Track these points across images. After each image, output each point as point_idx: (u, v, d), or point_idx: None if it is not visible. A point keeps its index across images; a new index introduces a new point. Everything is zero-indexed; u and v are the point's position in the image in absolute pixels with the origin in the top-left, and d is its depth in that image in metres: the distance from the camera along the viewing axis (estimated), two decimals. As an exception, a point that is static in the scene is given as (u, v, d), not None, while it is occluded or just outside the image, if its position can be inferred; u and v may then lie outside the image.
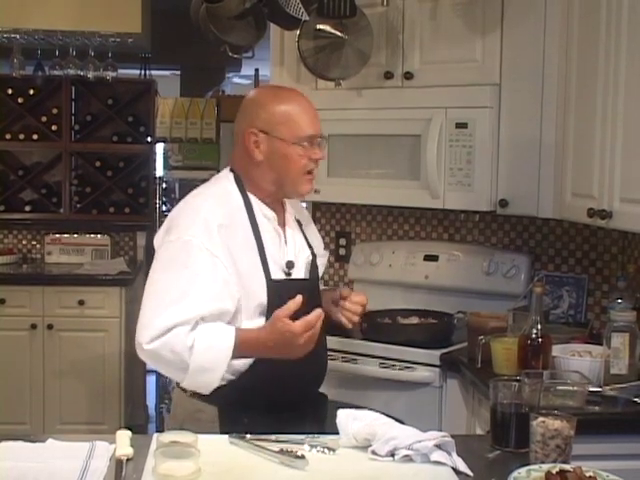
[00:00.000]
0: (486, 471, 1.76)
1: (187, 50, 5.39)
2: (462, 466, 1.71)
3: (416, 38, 3.24)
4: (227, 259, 2.09)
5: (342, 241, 3.89)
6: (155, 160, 5.23)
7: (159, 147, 5.34)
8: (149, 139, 5.07)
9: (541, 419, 1.73)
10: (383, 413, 1.91)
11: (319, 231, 2.63)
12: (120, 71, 4.75)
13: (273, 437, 1.85)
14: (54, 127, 4.95)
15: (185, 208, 2.19)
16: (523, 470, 1.64)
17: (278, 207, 2.30)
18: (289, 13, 2.93)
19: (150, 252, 2.24)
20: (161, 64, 6.04)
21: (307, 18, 2.98)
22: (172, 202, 5.48)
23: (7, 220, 5.01)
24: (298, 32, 3.13)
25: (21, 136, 4.95)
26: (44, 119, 4.95)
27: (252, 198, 2.23)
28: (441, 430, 1.87)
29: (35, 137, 4.95)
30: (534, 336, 2.36)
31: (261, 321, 2.16)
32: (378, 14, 3.26)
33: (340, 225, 3.90)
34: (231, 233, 2.12)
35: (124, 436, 1.82)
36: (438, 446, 1.74)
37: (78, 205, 5.04)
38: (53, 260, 5.02)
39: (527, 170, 3.00)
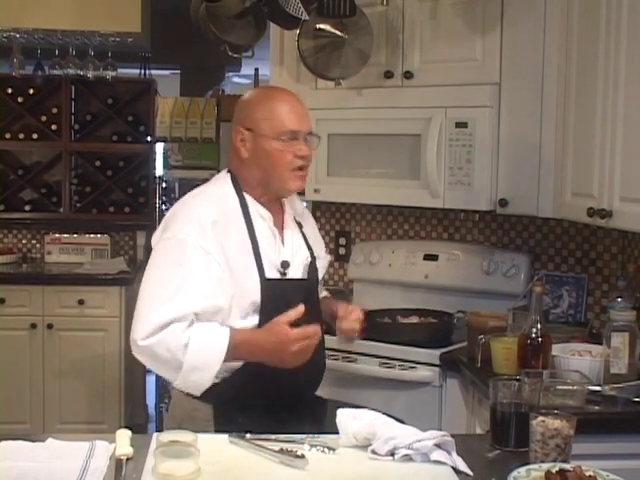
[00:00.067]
0: (486, 470, 1.76)
1: (187, 50, 5.39)
2: (462, 465, 1.71)
3: (416, 37, 3.24)
4: (220, 257, 2.11)
5: (342, 240, 3.89)
6: (155, 160, 5.23)
7: (159, 147, 5.33)
8: (149, 139, 5.07)
9: (541, 418, 1.73)
10: (383, 412, 1.91)
11: (319, 231, 2.63)
12: (120, 71, 4.75)
13: (273, 437, 1.85)
14: (54, 126, 4.95)
15: (180, 208, 2.21)
16: (523, 469, 1.64)
17: (275, 207, 2.31)
18: (289, 12, 2.93)
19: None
20: (161, 64, 6.04)
21: (307, 17, 2.98)
22: (172, 202, 5.47)
23: (7, 220, 5.01)
24: (298, 31, 3.13)
25: (21, 135, 4.95)
26: (44, 118, 4.95)
27: (248, 198, 2.24)
28: (441, 429, 1.87)
29: (35, 136, 4.95)
30: (534, 335, 2.35)
31: (254, 319, 2.17)
32: (378, 13, 3.26)
33: (340, 224, 3.90)
34: (225, 231, 2.14)
35: (124, 436, 1.82)
36: (438, 445, 1.75)
37: (78, 205, 5.04)
38: (53, 260, 5.02)
39: (527, 170, 3.00)
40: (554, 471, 1.61)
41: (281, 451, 1.75)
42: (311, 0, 3.02)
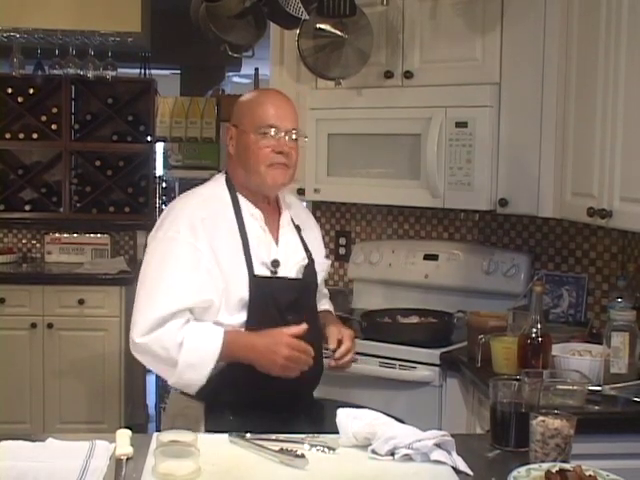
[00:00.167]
0: (486, 470, 1.76)
1: (187, 49, 5.38)
2: (462, 465, 1.71)
3: (416, 37, 3.24)
4: (209, 253, 2.15)
5: (342, 240, 3.89)
6: (155, 159, 5.23)
7: (159, 146, 5.33)
8: (149, 138, 5.07)
9: (541, 418, 1.73)
10: (383, 412, 1.91)
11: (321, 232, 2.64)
12: (120, 70, 4.75)
13: (273, 436, 1.85)
14: (54, 126, 4.95)
15: (172, 208, 2.28)
16: (523, 469, 1.64)
17: (270, 208, 2.34)
18: (289, 12, 2.93)
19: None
20: (161, 63, 6.04)
21: (307, 17, 2.98)
22: (172, 201, 5.47)
23: (7, 219, 5.01)
24: (298, 31, 3.13)
25: (21, 135, 4.95)
26: (44, 118, 4.94)
27: (240, 198, 2.28)
28: (441, 429, 1.87)
29: (35, 136, 4.94)
30: (534, 335, 2.35)
31: (242, 316, 2.20)
32: (378, 13, 3.26)
33: (340, 224, 3.90)
34: (214, 229, 2.18)
35: (124, 435, 1.82)
36: (438, 445, 1.75)
37: (78, 204, 5.04)
38: (53, 259, 5.01)
39: (527, 170, 3.00)
40: (554, 471, 1.61)
41: (281, 451, 1.75)
42: (311, 0, 3.02)
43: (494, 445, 1.88)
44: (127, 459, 1.72)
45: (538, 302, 2.38)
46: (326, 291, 2.67)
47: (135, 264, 4.95)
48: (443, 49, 3.18)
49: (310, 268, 2.35)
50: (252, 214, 2.27)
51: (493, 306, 3.06)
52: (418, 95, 3.20)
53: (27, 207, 5.01)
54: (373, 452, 1.77)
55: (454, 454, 1.74)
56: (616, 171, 2.44)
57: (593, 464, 1.66)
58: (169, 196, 5.63)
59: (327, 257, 2.58)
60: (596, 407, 2.22)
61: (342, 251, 3.87)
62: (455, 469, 1.70)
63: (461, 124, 3.06)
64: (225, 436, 1.87)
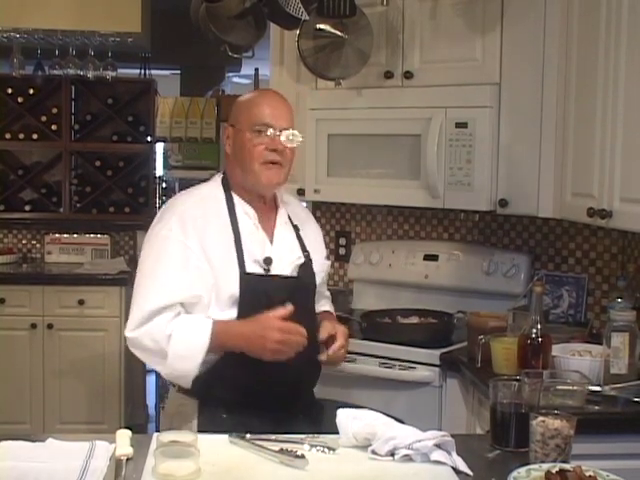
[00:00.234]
0: (486, 471, 1.76)
1: (187, 50, 5.38)
2: (462, 466, 1.71)
3: (416, 37, 3.24)
4: (200, 250, 2.18)
5: (342, 241, 3.89)
6: (155, 160, 5.23)
7: (159, 147, 5.33)
8: (149, 139, 5.07)
9: (541, 419, 1.73)
10: (383, 413, 1.91)
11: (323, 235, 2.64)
12: (120, 71, 4.75)
13: (273, 437, 1.85)
14: (54, 127, 4.95)
15: (169, 205, 2.33)
16: (523, 470, 1.64)
17: (265, 207, 2.35)
18: (289, 13, 2.93)
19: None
20: (161, 64, 6.04)
21: (307, 18, 2.98)
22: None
23: (7, 220, 5.01)
24: (298, 32, 3.13)
25: (21, 136, 4.95)
26: (44, 119, 4.94)
27: (235, 197, 2.31)
28: (441, 430, 1.87)
29: (35, 137, 4.95)
30: (534, 336, 2.35)
31: (232, 312, 2.21)
32: (378, 13, 3.26)
33: (340, 225, 3.91)
34: (206, 227, 2.21)
35: (124, 436, 1.82)
36: (438, 446, 1.75)
37: (78, 205, 5.04)
38: (53, 260, 5.02)
39: (527, 170, 3.00)
40: (554, 471, 1.61)
41: (281, 451, 1.75)
42: (311, 0, 3.02)
43: (494, 445, 1.88)
44: (127, 459, 1.72)
45: (538, 302, 2.38)
46: (328, 293, 2.67)
47: (135, 264, 4.93)
48: (443, 49, 3.18)
49: (307, 267, 2.35)
50: (246, 212, 2.29)
51: (493, 306, 3.06)
52: (418, 95, 3.20)
53: (27, 207, 5.01)
54: (373, 452, 1.77)
55: (454, 454, 1.74)
56: (616, 171, 2.44)
57: (593, 464, 1.66)
58: (169, 196, 5.61)
59: (327, 258, 2.58)
60: (596, 407, 2.22)
61: (342, 251, 3.87)
62: (455, 469, 1.70)
63: (461, 124, 3.06)
64: (225, 436, 1.87)
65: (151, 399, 5.42)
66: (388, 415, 1.90)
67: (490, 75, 3.06)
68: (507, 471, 1.64)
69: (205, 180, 2.46)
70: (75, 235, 5.06)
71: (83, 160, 5.09)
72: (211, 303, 2.19)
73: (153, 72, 5.43)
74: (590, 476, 1.60)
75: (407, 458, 1.74)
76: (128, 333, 2.17)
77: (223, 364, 2.19)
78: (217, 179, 2.37)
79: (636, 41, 2.34)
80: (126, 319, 2.20)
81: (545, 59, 2.93)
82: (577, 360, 2.43)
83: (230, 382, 2.18)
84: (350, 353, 3.04)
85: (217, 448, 1.81)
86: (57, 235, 5.05)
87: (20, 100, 4.92)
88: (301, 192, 3.48)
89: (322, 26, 3.13)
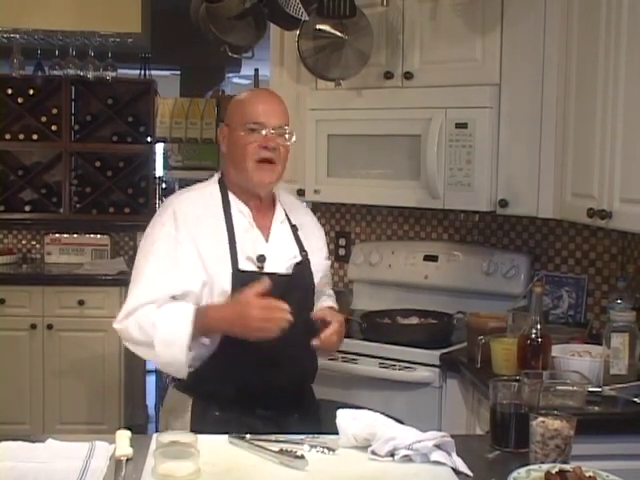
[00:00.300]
0: (486, 471, 1.76)
1: (187, 50, 5.38)
2: (462, 466, 1.71)
3: (416, 38, 3.24)
4: (191, 246, 2.20)
5: (342, 241, 3.89)
6: (155, 160, 5.23)
7: (159, 147, 5.33)
8: (149, 139, 5.07)
9: (541, 419, 1.73)
10: (383, 413, 1.91)
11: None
12: (120, 71, 4.75)
13: (273, 437, 1.85)
14: (54, 127, 4.95)
15: (164, 203, 2.38)
16: (523, 470, 1.64)
17: (260, 205, 2.34)
18: (289, 13, 2.93)
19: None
20: (161, 64, 6.04)
21: (307, 18, 2.98)
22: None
23: (7, 220, 5.02)
24: (298, 32, 3.13)
25: (21, 136, 4.96)
26: (44, 119, 4.95)
27: (231, 196, 2.32)
28: (441, 430, 1.87)
29: (35, 137, 4.95)
30: (534, 336, 2.35)
31: None
32: (378, 14, 3.26)
33: (340, 225, 3.91)
34: (199, 224, 2.23)
35: (124, 436, 1.82)
36: (438, 446, 1.75)
37: (78, 205, 5.04)
38: (53, 260, 5.02)
39: (527, 170, 3.00)
40: (554, 472, 1.61)
41: (281, 452, 1.75)
42: (311, 1, 3.02)
43: (494, 446, 1.88)
44: (127, 460, 1.73)
45: (538, 303, 2.38)
46: (331, 292, 2.66)
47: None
48: (443, 50, 3.18)
49: (304, 267, 2.35)
50: (241, 211, 2.30)
51: (493, 307, 3.06)
52: (418, 96, 3.20)
53: (27, 208, 5.01)
54: (373, 453, 1.77)
55: (454, 455, 1.74)
56: (616, 172, 2.44)
57: (593, 465, 1.65)
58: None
59: (327, 258, 2.57)
60: (596, 408, 2.22)
61: (342, 252, 3.87)
62: (455, 470, 1.70)
63: (461, 125, 3.06)
64: (225, 437, 1.87)
65: (151, 399, 5.42)
66: (388, 416, 1.90)
67: (490, 75, 3.06)
68: (507, 472, 1.64)
69: (204, 180, 2.47)
70: (75, 235, 5.06)
71: (83, 160, 5.10)
72: (203, 299, 2.19)
73: (153, 72, 5.43)
74: (590, 477, 1.60)
75: (407, 459, 1.74)
76: (115, 325, 2.20)
77: (216, 360, 2.19)
78: (215, 178, 2.39)
79: (636, 41, 2.34)
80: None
81: (545, 59, 2.93)
82: (577, 361, 2.43)
83: (223, 378, 2.18)
84: (350, 353, 3.05)
85: (217, 448, 1.81)
86: (57, 235, 5.05)
87: (20, 100, 4.93)
88: (301, 192, 3.48)
89: (322, 27, 3.13)
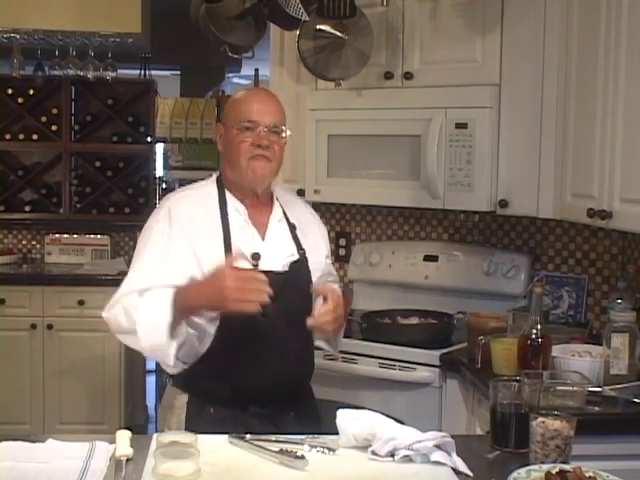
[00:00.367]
0: (486, 471, 1.76)
1: (187, 50, 5.38)
2: (462, 466, 1.71)
3: (416, 38, 3.24)
4: (185, 243, 2.21)
5: (342, 241, 3.89)
6: (155, 160, 5.23)
7: (159, 147, 5.34)
8: (149, 139, 5.08)
9: (541, 419, 1.73)
10: (383, 413, 1.91)
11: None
12: (120, 71, 4.76)
13: (273, 437, 1.85)
14: (54, 127, 4.96)
15: (160, 203, 2.38)
16: (523, 470, 1.64)
17: (257, 203, 2.34)
18: (289, 13, 2.93)
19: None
20: (161, 64, 6.04)
21: (307, 18, 2.98)
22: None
23: (7, 220, 5.02)
24: (298, 32, 3.13)
25: (21, 136, 4.96)
26: (44, 119, 4.95)
27: (227, 194, 2.33)
28: (441, 430, 1.87)
29: (35, 137, 4.95)
30: (534, 336, 2.35)
31: None
32: (378, 14, 3.26)
33: (340, 225, 3.90)
34: (194, 219, 2.25)
35: (124, 436, 1.82)
36: (438, 446, 1.74)
37: (78, 205, 5.04)
38: (53, 260, 5.02)
39: (527, 170, 3.00)
40: (554, 472, 1.61)
41: (281, 452, 1.75)
42: (311, 1, 3.02)
43: (494, 446, 1.88)
44: (127, 460, 1.72)
45: (538, 303, 2.38)
46: (336, 286, 2.63)
47: (135, 265, 4.95)
48: (443, 50, 3.18)
49: (301, 265, 2.34)
50: (236, 209, 2.30)
51: (493, 307, 3.06)
52: (418, 96, 3.20)
53: (27, 208, 5.01)
54: (373, 453, 1.77)
55: (454, 455, 1.74)
56: (616, 172, 2.44)
57: (593, 465, 1.65)
58: (169, 197, 5.63)
59: (327, 257, 2.57)
60: (596, 408, 2.22)
61: (342, 252, 3.87)
62: (455, 470, 1.70)
63: (461, 125, 3.06)
64: (225, 436, 1.87)
65: (151, 399, 5.42)
66: (388, 416, 1.90)
67: (490, 76, 3.06)
68: (507, 472, 1.64)
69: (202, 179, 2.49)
70: (75, 236, 5.06)
71: (83, 161, 5.10)
72: None
73: (153, 72, 5.43)
74: (590, 477, 1.60)
75: (407, 459, 1.74)
76: (104, 313, 2.22)
77: (211, 357, 2.19)
78: (213, 177, 2.41)
79: (636, 41, 2.34)
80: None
81: (545, 59, 2.93)
82: (577, 361, 2.43)
83: (218, 376, 2.18)
84: (350, 353, 3.05)
85: (217, 448, 1.81)
86: (57, 235, 5.05)
87: (20, 101, 4.93)
88: (301, 193, 3.47)
89: (322, 27, 3.13)
